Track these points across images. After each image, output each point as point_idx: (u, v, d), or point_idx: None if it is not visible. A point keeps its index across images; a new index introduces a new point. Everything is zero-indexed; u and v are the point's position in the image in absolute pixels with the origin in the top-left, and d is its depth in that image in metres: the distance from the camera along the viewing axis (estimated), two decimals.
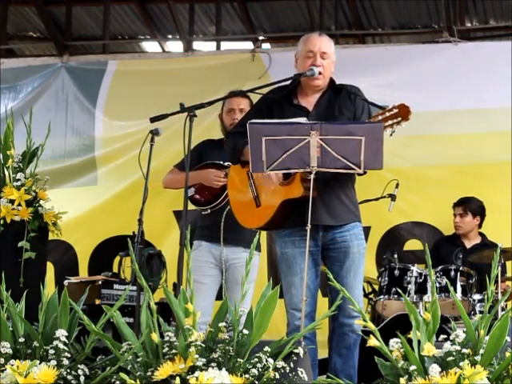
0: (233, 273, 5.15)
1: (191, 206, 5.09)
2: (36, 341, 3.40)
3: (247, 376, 3.05)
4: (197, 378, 3.00)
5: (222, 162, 5.18)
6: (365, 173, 4.05)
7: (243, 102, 5.31)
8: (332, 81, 4.35)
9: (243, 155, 4.25)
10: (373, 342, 3.06)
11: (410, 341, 3.04)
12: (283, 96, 4.31)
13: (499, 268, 5.10)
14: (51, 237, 5.36)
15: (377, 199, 6.25)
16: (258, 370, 3.07)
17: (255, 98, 4.50)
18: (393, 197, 6.18)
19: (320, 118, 4.15)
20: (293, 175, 4.13)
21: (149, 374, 3.10)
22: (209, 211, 5.16)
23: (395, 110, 3.97)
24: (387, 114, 3.98)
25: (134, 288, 4.74)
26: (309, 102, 4.31)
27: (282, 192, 4.17)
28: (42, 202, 5.16)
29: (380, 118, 3.98)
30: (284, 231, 4.24)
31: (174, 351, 3.11)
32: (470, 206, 6.59)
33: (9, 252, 5.00)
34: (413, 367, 2.97)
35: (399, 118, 3.96)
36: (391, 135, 4.01)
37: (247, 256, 5.06)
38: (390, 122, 3.97)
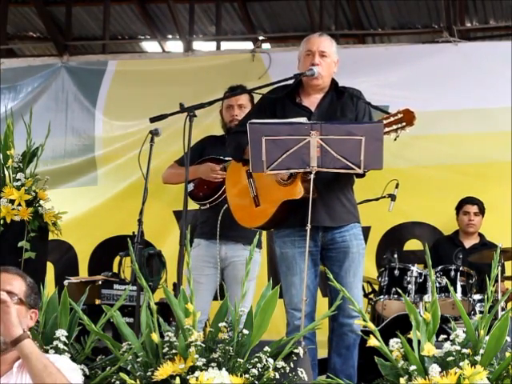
0: (232, 271, 5.13)
1: (191, 206, 5.07)
2: (36, 341, 3.39)
3: (247, 376, 3.05)
4: (197, 378, 3.00)
5: (221, 157, 5.16)
6: (364, 174, 4.06)
7: (242, 97, 5.29)
8: (335, 82, 4.36)
9: (246, 154, 4.24)
10: (373, 342, 3.06)
11: (409, 341, 3.04)
12: (286, 95, 4.31)
13: (499, 268, 5.10)
14: (51, 237, 5.36)
15: (377, 199, 6.25)
16: (258, 370, 3.07)
17: (255, 98, 4.50)
18: (393, 197, 6.17)
19: (322, 118, 4.15)
20: (294, 175, 4.13)
21: (149, 374, 3.10)
22: (207, 206, 5.13)
23: (400, 115, 3.97)
24: (392, 119, 3.97)
25: (134, 288, 4.74)
26: (311, 102, 4.32)
27: (282, 192, 4.16)
28: (41, 202, 5.16)
29: (384, 122, 3.98)
30: (284, 231, 4.24)
31: (174, 351, 3.11)
32: (482, 206, 6.64)
33: (9, 252, 5.00)
34: (413, 367, 2.97)
35: (404, 123, 3.96)
36: (395, 140, 4.01)
37: (247, 254, 5.11)
38: (394, 126, 3.97)
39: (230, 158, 5.14)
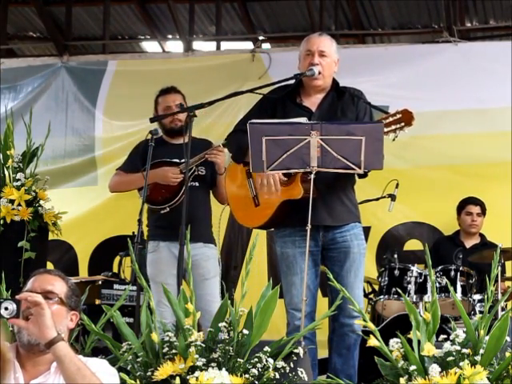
0: (196, 269, 5.05)
1: None
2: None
3: (247, 376, 3.05)
4: (197, 378, 3.00)
5: (168, 159, 5.08)
6: (366, 174, 4.06)
7: (178, 97, 5.25)
8: (336, 82, 4.36)
9: (247, 156, 4.22)
10: (373, 342, 3.06)
11: (409, 341, 3.04)
12: (286, 95, 4.31)
13: (499, 268, 5.10)
14: (51, 237, 5.37)
15: (377, 199, 6.25)
16: (258, 370, 3.07)
17: (255, 97, 4.50)
18: (393, 197, 6.18)
19: (323, 118, 4.15)
20: (293, 175, 4.13)
21: (149, 374, 3.10)
22: (167, 209, 5.07)
23: (398, 116, 3.98)
24: (390, 119, 3.98)
25: (134, 288, 4.74)
26: (312, 102, 4.32)
27: (282, 192, 4.16)
28: (41, 202, 5.17)
29: (383, 122, 3.98)
30: (284, 231, 4.24)
31: (174, 351, 3.11)
32: (484, 206, 6.62)
33: (9, 252, 5.01)
34: (413, 367, 2.97)
35: (402, 124, 3.97)
36: (394, 140, 4.01)
37: (207, 251, 5.08)
38: (393, 126, 3.97)
39: (177, 160, 5.07)
